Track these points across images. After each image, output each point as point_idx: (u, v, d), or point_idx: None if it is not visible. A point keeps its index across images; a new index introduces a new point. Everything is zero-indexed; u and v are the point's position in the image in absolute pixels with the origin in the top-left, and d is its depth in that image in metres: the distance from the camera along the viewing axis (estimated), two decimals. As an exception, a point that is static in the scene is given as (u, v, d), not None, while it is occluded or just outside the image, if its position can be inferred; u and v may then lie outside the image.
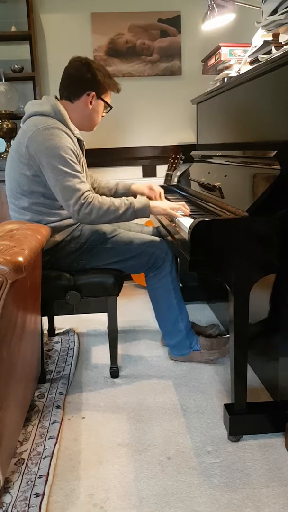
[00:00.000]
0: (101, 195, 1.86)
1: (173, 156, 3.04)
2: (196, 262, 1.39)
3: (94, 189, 2.18)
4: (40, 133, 1.72)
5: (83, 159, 1.96)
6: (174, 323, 2.02)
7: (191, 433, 1.59)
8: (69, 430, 1.64)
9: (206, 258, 1.40)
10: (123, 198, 1.81)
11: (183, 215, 1.83)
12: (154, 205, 1.83)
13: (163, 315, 2.05)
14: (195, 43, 3.06)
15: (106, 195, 2.02)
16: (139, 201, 1.81)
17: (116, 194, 2.18)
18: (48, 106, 1.80)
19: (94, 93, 1.86)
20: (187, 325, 2.03)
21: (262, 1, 1.82)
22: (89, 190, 1.75)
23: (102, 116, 1.99)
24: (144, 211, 1.81)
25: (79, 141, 1.91)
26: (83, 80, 1.85)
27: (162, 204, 1.86)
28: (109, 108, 1.97)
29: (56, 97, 1.89)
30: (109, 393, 1.86)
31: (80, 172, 1.76)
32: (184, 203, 1.90)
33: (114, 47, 3.02)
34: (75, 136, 1.86)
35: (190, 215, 1.81)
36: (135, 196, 2.13)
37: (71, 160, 1.73)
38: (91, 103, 1.88)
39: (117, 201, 1.78)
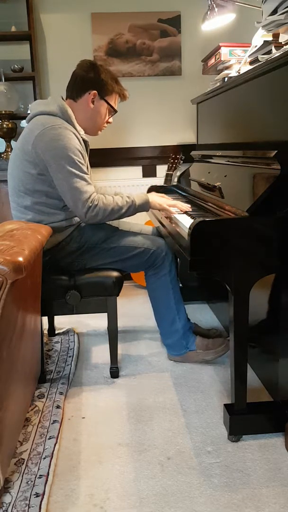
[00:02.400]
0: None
1: (173, 156, 3.04)
2: (196, 262, 1.39)
3: None
4: (47, 132, 1.74)
5: (87, 160, 1.98)
6: (171, 323, 2.02)
7: (191, 433, 1.59)
8: (69, 430, 1.64)
9: (206, 258, 1.40)
10: (125, 196, 1.87)
11: (179, 212, 1.91)
12: (152, 199, 1.92)
13: (161, 315, 2.06)
14: (195, 43, 3.06)
15: None
16: (139, 197, 1.90)
17: None
18: (55, 106, 1.82)
19: (95, 91, 1.88)
20: (184, 325, 2.03)
21: (262, 1, 1.82)
22: (94, 192, 1.81)
23: (109, 122, 2.01)
24: (144, 207, 1.91)
25: (84, 141, 1.93)
26: (86, 79, 1.88)
27: (160, 199, 1.94)
28: (113, 112, 1.98)
29: (62, 98, 1.92)
30: (109, 393, 1.87)
31: (87, 174, 1.80)
32: (179, 201, 1.97)
33: (114, 47, 3.02)
34: (81, 137, 1.88)
35: (188, 214, 1.82)
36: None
37: (79, 161, 1.76)
38: (93, 102, 1.90)
39: (119, 200, 1.84)
